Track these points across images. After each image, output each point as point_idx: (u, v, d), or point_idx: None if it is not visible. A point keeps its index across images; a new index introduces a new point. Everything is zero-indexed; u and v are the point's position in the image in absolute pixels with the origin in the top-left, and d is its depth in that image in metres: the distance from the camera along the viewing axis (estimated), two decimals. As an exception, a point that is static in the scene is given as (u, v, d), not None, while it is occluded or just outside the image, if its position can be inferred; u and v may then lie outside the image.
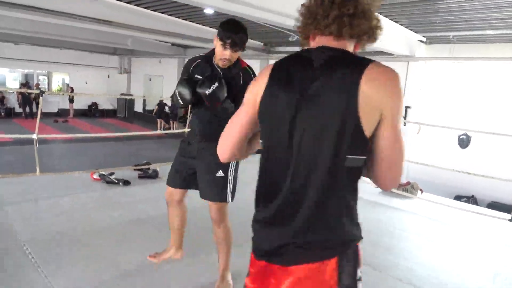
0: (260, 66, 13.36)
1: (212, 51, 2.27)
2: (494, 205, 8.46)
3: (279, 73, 1.15)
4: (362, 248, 1.12)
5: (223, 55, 2.17)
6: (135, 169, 5.38)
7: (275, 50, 12.84)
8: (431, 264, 3.13)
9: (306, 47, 1.20)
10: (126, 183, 4.83)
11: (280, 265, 1.12)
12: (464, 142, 8.95)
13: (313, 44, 1.20)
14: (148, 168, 5.32)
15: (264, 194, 1.18)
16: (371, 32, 1.17)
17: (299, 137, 1.07)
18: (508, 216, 3.97)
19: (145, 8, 8.45)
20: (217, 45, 2.17)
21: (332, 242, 1.09)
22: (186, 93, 2.23)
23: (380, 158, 1.08)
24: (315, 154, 1.05)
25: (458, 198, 9.00)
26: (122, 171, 5.27)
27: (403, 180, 5.54)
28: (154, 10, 8.66)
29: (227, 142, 1.26)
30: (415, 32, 8.41)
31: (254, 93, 1.19)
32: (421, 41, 9.07)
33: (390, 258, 3.22)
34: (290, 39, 10.17)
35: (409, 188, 5.01)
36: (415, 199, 4.94)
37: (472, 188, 8.84)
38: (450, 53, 8.79)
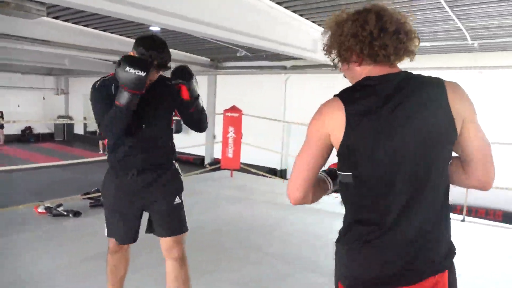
0: (208, 82, 13.26)
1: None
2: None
3: (355, 104, 1.13)
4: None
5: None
6: (84, 198, 4.99)
7: (223, 66, 12.82)
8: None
9: (365, 76, 1.20)
10: (77, 214, 4.44)
11: (407, 285, 1.12)
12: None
13: (361, 69, 1.22)
14: (100, 196, 4.95)
15: (370, 219, 1.16)
16: (416, 50, 1.25)
17: (404, 158, 1.09)
18: (461, 217, 4.19)
19: (85, 26, 8.04)
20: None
21: (444, 255, 1.19)
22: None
23: (475, 156, 1.16)
24: (423, 172, 1.10)
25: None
26: (70, 201, 4.86)
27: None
28: (94, 28, 8.27)
29: (299, 181, 1.21)
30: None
31: (329, 128, 1.17)
32: (363, 54, 9.52)
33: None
34: (238, 54, 10.20)
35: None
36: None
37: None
38: (390, 64, 9.31)
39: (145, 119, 1.99)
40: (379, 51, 1.15)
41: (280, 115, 11.53)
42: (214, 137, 13.48)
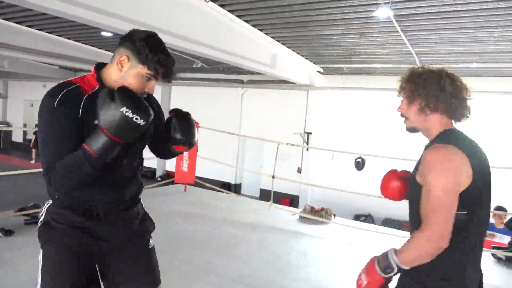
0: (162, 93, 12.87)
1: (93, 80, 1.40)
2: (387, 222, 9.30)
3: (472, 157, 1.35)
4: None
5: (146, 88, 1.40)
6: (18, 214, 4.48)
7: (178, 77, 12.51)
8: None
9: (446, 128, 1.47)
10: (8, 233, 3.95)
11: None
12: (359, 164, 9.71)
13: (436, 118, 1.46)
14: (37, 212, 4.47)
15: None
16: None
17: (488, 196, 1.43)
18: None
19: (28, 26, 7.46)
20: (134, 73, 1.35)
21: None
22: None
23: None
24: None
25: (357, 217, 9.67)
26: (1, 217, 4.33)
27: (318, 206, 5.67)
28: (40, 29, 7.70)
29: (447, 229, 1.28)
30: (314, 63, 8.97)
31: (462, 176, 1.32)
32: (319, 72, 9.74)
33: (299, 285, 3.13)
34: (194, 65, 9.99)
35: (323, 213, 5.12)
36: (330, 224, 5.05)
37: (369, 207, 9.57)
38: (344, 83, 9.59)
39: (128, 151, 1.47)
40: (455, 110, 1.46)
41: (236, 128, 11.41)
42: (167, 149, 13.05)
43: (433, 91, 1.40)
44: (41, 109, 1.32)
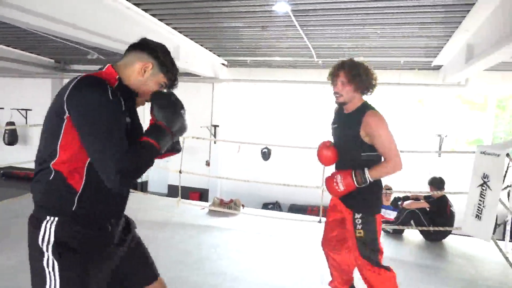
0: (52, 86, 11.64)
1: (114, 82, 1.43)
2: (293, 207, 9.83)
3: None
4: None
5: None
6: None
7: (71, 69, 11.42)
8: (255, 279, 3.23)
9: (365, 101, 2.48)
10: None
11: None
12: (266, 155, 10.02)
13: (359, 95, 2.43)
14: None
15: None
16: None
17: None
18: (317, 218, 4.56)
19: None
20: (155, 80, 1.51)
21: None
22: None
23: None
24: None
25: (265, 205, 10.02)
26: None
27: (227, 198, 5.71)
28: None
29: (400, 159, 2.32)
30: (218, 56, 8.95)
31: None
32: (223, 64, 9.75)
33: (212, 279, 3.15)
34: (89, 57, 9.20)
35: (232, 205, 5.17)
36: (239, 215, 5.12)
37: (276, 195, 9.97)
38: (248, 75, 9.77)
39: None
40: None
41: (141, 123, 10.87)
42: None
43: (365, 77, 2.24)
44: (93, 99, 1.27)
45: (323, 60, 8.52)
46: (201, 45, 8.03)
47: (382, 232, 4.41)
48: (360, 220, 2.27)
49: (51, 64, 11.02)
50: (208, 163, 10.32)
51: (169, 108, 1.47)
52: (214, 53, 8.69)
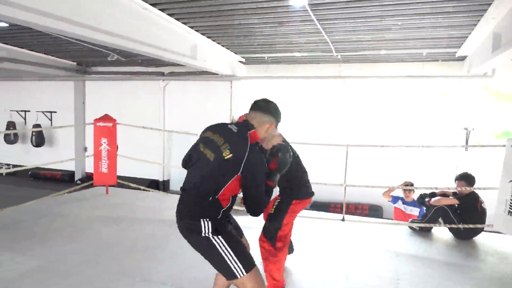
0: (75, 89, 11.89)
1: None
2: (316, 204, 9.67)
3: None
4: None
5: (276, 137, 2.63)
6: None
7: (92, 71, 11.62)
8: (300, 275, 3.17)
9: None
10: None
11: None
12: (286, 151, 9.93)
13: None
14: None
15: None
16: None
17: None
18: (340, 216, 4.46)
19: None
20: (271, 129, 2.32)
21: None
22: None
23: None
24: None
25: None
26: None
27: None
28: None
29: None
30: (235, 53, 8.90)
31: None
32: (241, 62, 9.71)
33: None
34: (109, 58, 9.34)
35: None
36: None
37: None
38: (265, 72, 9.69)
39: None
40: None
41: (160, 123, 10.98)
42: (86, 149, 12.13)
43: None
44: (260, 163, 2.12)
45: (342, 55, 8.36)
46: (218, 43, 8.00)
47: (409, 229, 4.30)
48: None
49: (73, 66, 11.26)
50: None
51: (284, 163, 2.26)
52: (231, 50, 8.66)
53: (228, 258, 2.07)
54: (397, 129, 9.08)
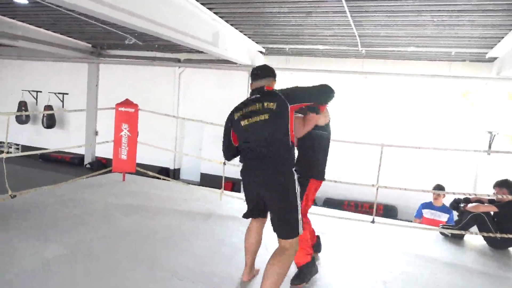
0: (88, 71, 11.72)
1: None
2: (328, 201, 9.52)
3: None
4: None
5: None
6: None
7: (107, 54, 11.44)
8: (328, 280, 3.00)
9: None
10: None
11: None
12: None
13: None
14: None
15: None
16: None
17: None
18: (370, 218, 4.27)
19: None
20: (274, 84, 2.63)
21: None
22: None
23: None
24: None
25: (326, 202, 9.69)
26: None
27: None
28: None
29: None
30: (256, 43, 8.67)
31: None
32: (261, 52, 9.48)
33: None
34: (126, 42, 9.14)
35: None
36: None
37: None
38: (285, 64, 9.46)
39: None
40: None
41: (173, 111, 10.80)
42: (97, 133, 12.00)
43: None
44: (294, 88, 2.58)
45: (366, 50, 8.11)
46: (241, 31, 7.78)
47: (440, 235, 4.12)
48: None
49: (88, 48, 11.08)
50: (241, 153, 10.14)
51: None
52: (252, 40, 8.42)
53: (299, 214, 2.36)
54: (417, 129, 8.85)
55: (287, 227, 2.35)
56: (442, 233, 4.13)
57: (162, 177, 5.60)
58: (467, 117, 8.69)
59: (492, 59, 7.84)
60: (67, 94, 12.25)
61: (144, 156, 8.54)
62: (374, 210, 4.21)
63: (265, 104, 2.40)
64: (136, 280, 2.76)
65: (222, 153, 2.70)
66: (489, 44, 6.89)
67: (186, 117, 10.25)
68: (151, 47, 10.13)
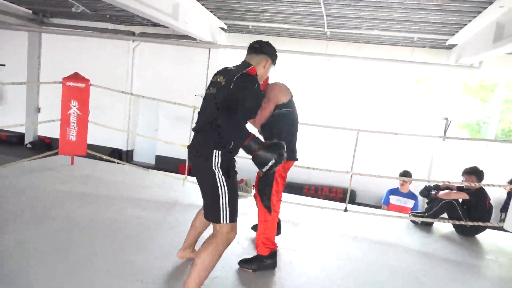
0: (29, 41, 10.55)
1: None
2: (288, 185, 9.44)
3: None
4: None
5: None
6: None
7: (51, 22, 10.32)
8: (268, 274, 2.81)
9: None
10: None
11: None
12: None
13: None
14: None
15: None
16: None
17: None
18: (343, 206, 4.14)
19: None
20: (268, 64, 2.47)
21: None
22: None
23: None
24: None
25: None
26: None
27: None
28: None
29: None
30: (219, 18, 8.18)
31: None
32: (222, 29, 9.00)
33: (222, 273, 2.70)
34: (73, 9, 8.24)
35: (243, 185, 4.67)
36: (250, 197, 4.65)
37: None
38: (248, 42, 9.05)
39: None
40: None
41: (126, 87, 10.05)
42: (39, 110, 10.93)
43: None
44: (251, 88, 2.19)
45: (331, 31, 7.94)
46: (202, 4, 7.25)
47: (411, 222, 4.09)
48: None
49: (27, 14, 9.91)
50: (200, 135, 9.71)
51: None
52: (215, 15, 7.92)
53: (223, 201, 2.13)
54: (377, 114, 8.93)
55: (209, 210, 2.20)
56: (412, 221, 4.10)
57: (116, 160, 5.09)
58: (424, 103, 8.90)
59: (451, 46, 8.00)
60: (3, 65, 10.98)
61: (93, 136, 7.87)
62: (348, 197, 4.08)
63: (220, 78, 2.22)
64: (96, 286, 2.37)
65: None
66: (451, 31, 6.97)
67: (142, 94, 9.60)
68: (102, 17, 9.26)
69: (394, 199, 4.86)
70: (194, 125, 2.29)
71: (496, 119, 8.61)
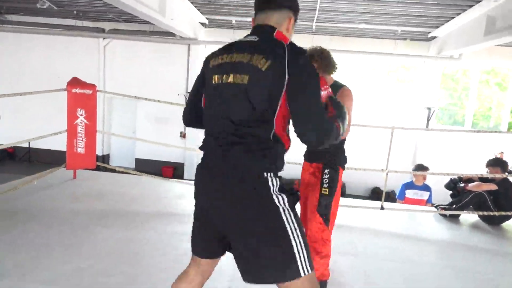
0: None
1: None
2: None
3: None
4: None
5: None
6: None
7: (14, 20, 9.29)
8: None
9: None
10: None
11: None
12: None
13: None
14: None
15: None
16: None
17: None
18: (379, 204, 4.09)
19: None
20: (292, 23, 1.51)
21: None
22: None
23: None
24: None
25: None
26: None
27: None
28: None
29: None
30: (202, 13, 7.83)
31: None
32: (202, 24, 8.64)
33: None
34: (39, 5, 7.50)
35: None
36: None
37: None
38: (232, 38, 8.78)
39: None
40: None
41: (99, 87, 9.37)
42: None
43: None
44: (311, 65, 1.37)
45: (317, 26, 7.89)
46: (186, -2, 6.88)
47: (438, 215, 4.14)
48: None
49: (-20, 12, 8.90)
50: (183, 135, 9.34)
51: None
52: (198, 9, 7.56)
53: (296, 244, 1.33)
54: (363, 106, 9.07)
55: (274, 264, 1.35)
56: (441, 215, 4.16)
57: (132, 172, 4.68)
58: (405, 94, 9.16)
59: (431, 38, 8.26)
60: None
61: (59, 142, 7.27)
62: (384, 195, 4.04)
63: (256, 56, 1.35)
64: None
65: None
66: (436, 23, 7.18)
67: (115, 96, 9.01)
68: (70, 13, 8.54)
69: (410, 193, 4.92)
70: (175, 125, 1.63)
71: (472, 108, 9.10)
